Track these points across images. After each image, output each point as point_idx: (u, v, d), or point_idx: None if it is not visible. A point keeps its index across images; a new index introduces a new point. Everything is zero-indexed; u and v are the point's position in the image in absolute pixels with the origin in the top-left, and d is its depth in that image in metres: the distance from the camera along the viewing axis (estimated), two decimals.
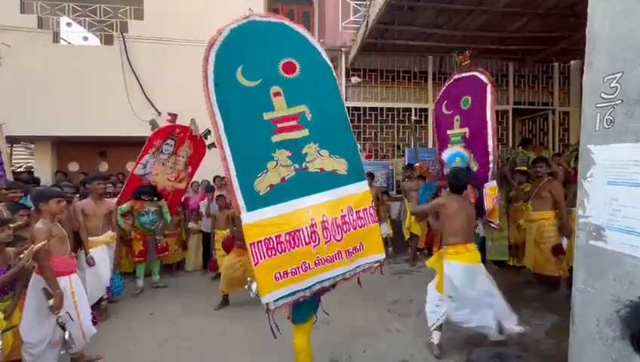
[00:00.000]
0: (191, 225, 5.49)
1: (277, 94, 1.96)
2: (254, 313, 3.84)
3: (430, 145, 6.77)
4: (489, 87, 3.42)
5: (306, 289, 1.98)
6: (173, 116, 4.82)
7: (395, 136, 6.91)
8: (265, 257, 1.87)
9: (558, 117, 7.09)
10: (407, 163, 6.56)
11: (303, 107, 2.00)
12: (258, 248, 1.87)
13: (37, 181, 5.62)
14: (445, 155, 3.75)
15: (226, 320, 3.66)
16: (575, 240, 1.53)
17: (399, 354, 2.95)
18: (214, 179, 6.20)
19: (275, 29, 2.03)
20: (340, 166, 2.06)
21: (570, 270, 4.24)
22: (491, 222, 3.63)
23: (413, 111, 6.80)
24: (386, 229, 5.88)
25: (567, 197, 4.56)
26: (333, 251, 2.01)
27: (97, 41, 7.38)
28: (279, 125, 1.96)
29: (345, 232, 2.05)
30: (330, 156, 2.04)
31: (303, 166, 2.00)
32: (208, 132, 5.03)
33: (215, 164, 5.85)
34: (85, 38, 7.26)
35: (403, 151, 6.81)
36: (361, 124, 6.71)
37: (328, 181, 2.04)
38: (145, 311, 3.93)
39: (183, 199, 5.41)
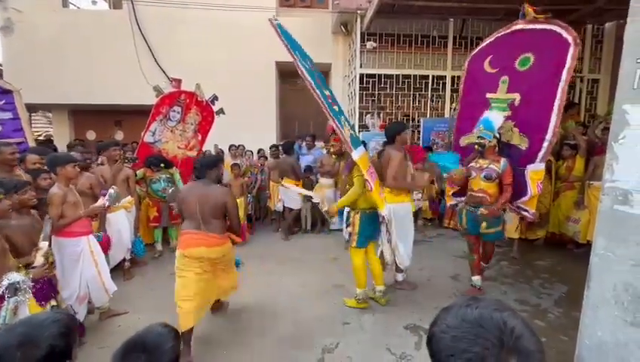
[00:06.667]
0: None
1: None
2: (268, 279, 4.00)
3: (447, 115, 6.54)
4: (572, 49, 2.68)
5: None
6: (178, 81, 4.74)
7: (411, 105, 6.68)
8: (374, 180, 2.76)
9: (586, 85, 6.66)
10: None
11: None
12: (370, 175, 2.74)
13: (55, 149, 5.77)
14: (482, 117, 3.29)
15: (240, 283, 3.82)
16: (598, 205, 1.47)
17: (408, 317, 3.03)
18: (229, 148, 6.23)
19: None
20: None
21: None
22: (526, 210, 3.14)
23: (430, 78, 6.51)
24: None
25: (587, 169, 4.41)
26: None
27: (106, 6, 7.23)
28: (329, 100, 2.86)
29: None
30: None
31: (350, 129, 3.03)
32: (215, 97, 4.97)
33: (225, 132, 5.84)
34: (94, 2, 7.11)
35: (418, 121, 6.61)
36: (376, 92, 6.50)
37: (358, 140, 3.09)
38: (165, 273, 4.13)
39: None
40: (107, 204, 2.83)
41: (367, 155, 3.14)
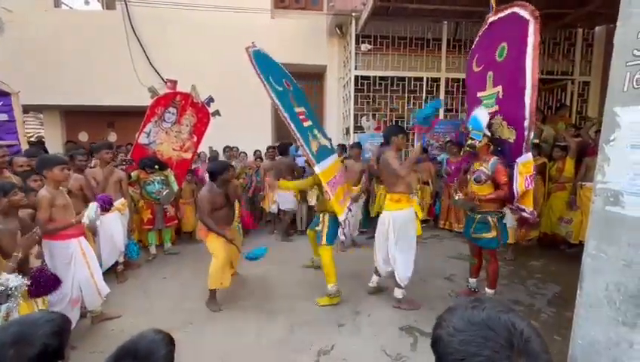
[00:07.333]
0: None
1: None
2: (263, 280, 3.98)
3: (441, 117, 6.59)
4: (532, 24, 2.49)
5: (348, 213, 3.23)
6: (173, 83, 4.71)
7: (405, 107, 6.72)
8: (334, 191, 2.97)
9: (577, 87, 6.77)
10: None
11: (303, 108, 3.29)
12: (330, 186, 2.93)
13: (46, 151, 5.69)
14: (470, 118, 3.08)
15: (234, 284, 3.80)
16: (590, 206, 1.49)
17: (403, 318, 3.04)
18: (224, 150, 6.20)
19: None
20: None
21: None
22: (523, 210, 2.83)
23: (425, 80, 6.56)
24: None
25: (578, 170, 4.46)
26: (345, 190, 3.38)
27: (99, 6, 7.16)
28: (301, 117, 3.09)
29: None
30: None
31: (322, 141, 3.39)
32: (211, 99, 4.94)
33: (220, 134, 5.81)
34: (87, 3, 7.05)
35: (413, 124, 6.64)
36: (370, 94, 6.53)
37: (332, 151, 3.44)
38: (159, 276, 4.09)
39: (192, 169, 5.43)
40: (86, 222, 2.60)
41: (337, 164, 3.53)
